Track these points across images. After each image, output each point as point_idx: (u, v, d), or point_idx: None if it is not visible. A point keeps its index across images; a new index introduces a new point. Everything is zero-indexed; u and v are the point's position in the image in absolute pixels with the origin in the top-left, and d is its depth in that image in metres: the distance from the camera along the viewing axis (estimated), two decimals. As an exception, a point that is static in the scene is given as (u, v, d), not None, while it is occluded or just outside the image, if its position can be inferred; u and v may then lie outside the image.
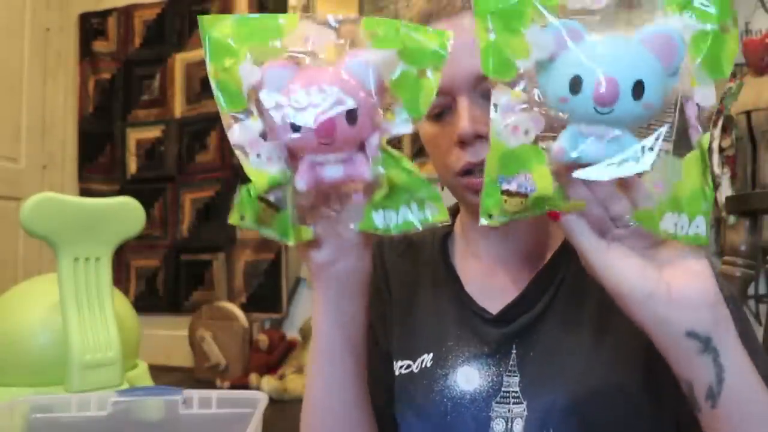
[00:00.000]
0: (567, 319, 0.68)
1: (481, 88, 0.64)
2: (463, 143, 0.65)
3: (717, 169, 2.41)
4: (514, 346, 0.68)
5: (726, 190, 2.36)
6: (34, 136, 3.47)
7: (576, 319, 0.67)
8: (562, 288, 0.69)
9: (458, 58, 0.61)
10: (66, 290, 1.48)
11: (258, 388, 2.72)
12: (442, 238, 0.78)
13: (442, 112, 0.67)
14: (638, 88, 0.43)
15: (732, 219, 2.17)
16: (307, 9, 3.31)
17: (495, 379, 0.67)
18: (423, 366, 0.71)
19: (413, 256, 0.79)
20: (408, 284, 0.77)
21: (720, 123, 2.37)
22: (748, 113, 2.22)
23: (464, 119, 0.64)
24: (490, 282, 0.73)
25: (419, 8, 0.68)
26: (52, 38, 3.61)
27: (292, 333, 3.17)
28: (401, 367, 0.73)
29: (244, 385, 2.80)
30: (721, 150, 2.37)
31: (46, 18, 3.55)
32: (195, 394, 0.69)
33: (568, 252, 0.71)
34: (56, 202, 1.47)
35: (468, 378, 0.68)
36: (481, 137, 0.64)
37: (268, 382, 2.75)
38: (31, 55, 3.45)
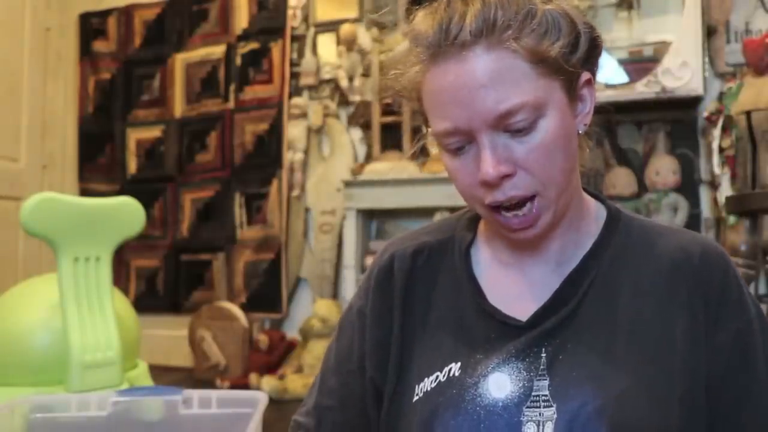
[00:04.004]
0: (597, 321, 0.67)
1: (503, 126, 0.62)
2: (488, 183, 0.63)
3: (717, 169, 2.41)
4: (543, 349, 0.67)
5: (726, 190, 2.36)
6: (34, 136, 3.47)
7: (606, 320, 0.67)
8: (592, 289, 0.68)
9: (473, 98, 0.60)
10: (66, 290, 1.48)
11: (258, 388, 2.72)
12: (467, 246, 0.76)
13: (462, 147, 0.64)
14: None
15: (732, 219, 2.17)
16: (307, 9, 3.31)
17: (526, 384, 0.65)
18: (451, 375, 0.69)
19: (435, 267, 0.77)
20: (429, 299, 0.75)
21: (720, 123, 2.37)
22: (748, 113, 2.22)
23: (487, 163, 0.62)
24: (519, 287, 0.72)
25: (426, 38, 0.63)
26: (52, 38, 3.60)
27: (292, 333, 3.16)
28: (431, 381, 0.70)
29: (244, 385, 2.80)
30: (721, 150, 2.37)
31: (46, 18, 3.55)
32: (195, 394, 0.69)
33: (600, 253, 0.70)
34: (56, 202, 1.47)
35: (499, 385, 0.66)
36: (507, 176, 0.62)
37: (268, 382, 2.75)
38: (31, 55, 3.45)
